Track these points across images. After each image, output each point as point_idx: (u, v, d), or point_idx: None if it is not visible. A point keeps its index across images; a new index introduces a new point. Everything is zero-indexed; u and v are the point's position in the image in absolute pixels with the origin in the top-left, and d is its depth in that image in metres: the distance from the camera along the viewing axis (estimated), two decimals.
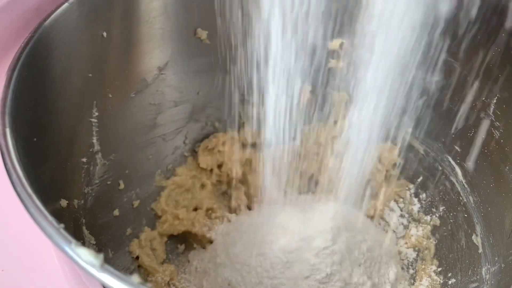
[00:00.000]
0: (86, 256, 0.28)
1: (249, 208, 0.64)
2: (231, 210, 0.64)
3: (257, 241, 0.51)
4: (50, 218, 0.30)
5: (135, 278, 0.27)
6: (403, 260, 0.59)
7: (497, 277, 0.46)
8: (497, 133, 0.51)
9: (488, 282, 0.47)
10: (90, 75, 0.49)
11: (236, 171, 0.64)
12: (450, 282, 0.53)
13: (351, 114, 0.52)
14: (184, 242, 0.61)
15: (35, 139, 0.40)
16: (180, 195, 0.62)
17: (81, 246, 0.28)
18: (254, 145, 0.65)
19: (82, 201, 0.49)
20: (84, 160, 0.50)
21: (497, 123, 0.51)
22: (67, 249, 0.28)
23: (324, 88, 0.62)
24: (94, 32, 0.48)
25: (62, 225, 0.30)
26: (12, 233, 0.52)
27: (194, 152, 0.64)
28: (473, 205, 0.54)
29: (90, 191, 0.51)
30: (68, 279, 0.49)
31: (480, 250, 0.51)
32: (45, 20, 0.42)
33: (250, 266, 0.50)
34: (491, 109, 0.51)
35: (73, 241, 0.28)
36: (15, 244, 0.51)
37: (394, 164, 0.62)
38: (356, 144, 0.53)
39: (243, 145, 0.65)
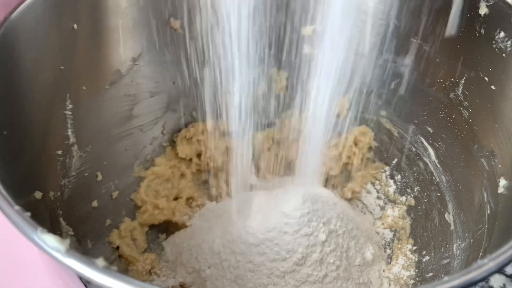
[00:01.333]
0: (51, 242, 0.28)
1: (229, 195, 0.64)
2: (212, 198, 0.64)
3: (233, 225, 0.52)
4: (16, 206, 0.30)
5: (100, 261, 0.28)
6: (380, 240, 0.60)
7: (466, 252, 0.47)
8: (466, 112, 0.52)
9: (459, 257, 0.48)
10: (62, 67, 0.49)
11: (216, 159, 0.64)
12: (424, 259, 0.54)
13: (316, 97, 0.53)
14: (166, 231, 0.61)
15: (5, 133, 0.40)
16: (160, 185, 0.62)
17: (47, 233, 0.29)
18: (232, 133, 0.65)
19: (59, 193, 0.49)
20: (60, 152, 0.50)
21: (466, 102, 0.52)
22: (33, 236, 0.29)
23: (299, 74, 0.63)
24: (63, 24, 0.48)
25: (28, 214, 0.30)
26: None
27: (172, 142, 0.65)
28: (445, 184, 0.55)
29: (67, 183, 0.51)
30: (52, 278, 0.49)
31: (452, 227, 0.52)
32: (11, 13, 0.43)
33: (226, 250, 0.50)
34: (460, 89, 0.52)
35: (39, 228, 0.29)
36: None
37: (370, 147, 0.63)
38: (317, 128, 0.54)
39: (222, 134, 0.66)
